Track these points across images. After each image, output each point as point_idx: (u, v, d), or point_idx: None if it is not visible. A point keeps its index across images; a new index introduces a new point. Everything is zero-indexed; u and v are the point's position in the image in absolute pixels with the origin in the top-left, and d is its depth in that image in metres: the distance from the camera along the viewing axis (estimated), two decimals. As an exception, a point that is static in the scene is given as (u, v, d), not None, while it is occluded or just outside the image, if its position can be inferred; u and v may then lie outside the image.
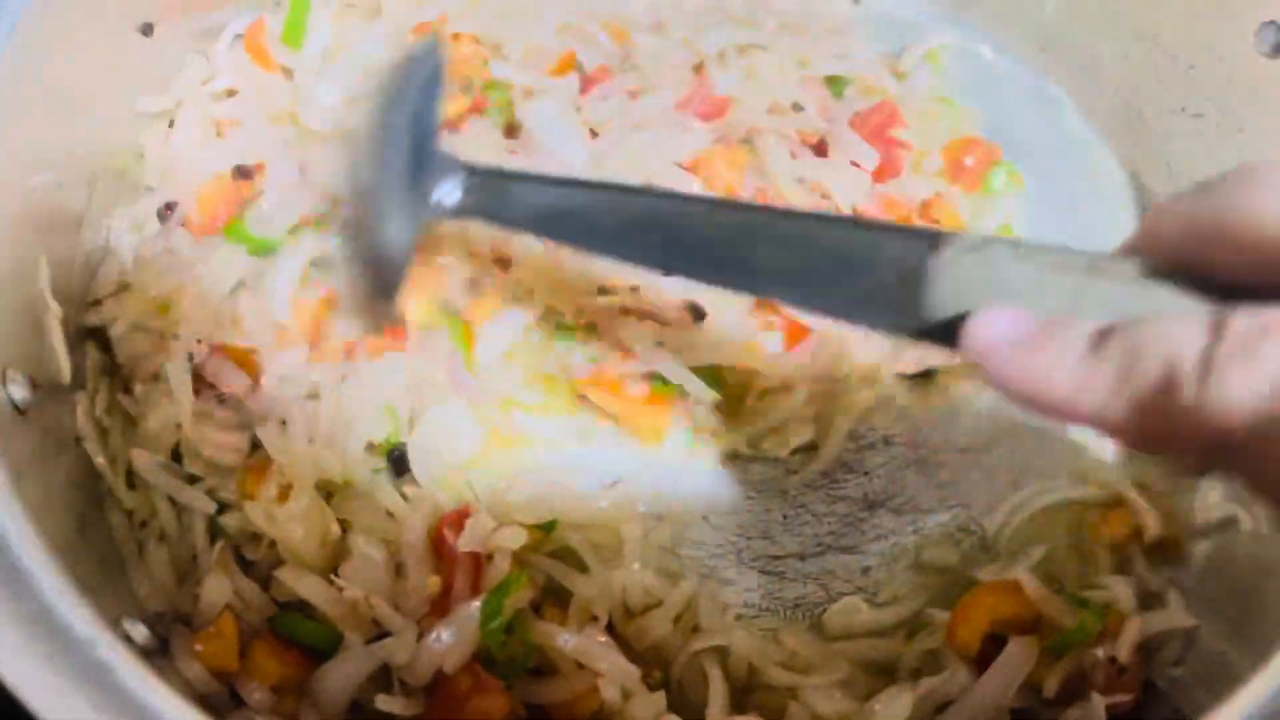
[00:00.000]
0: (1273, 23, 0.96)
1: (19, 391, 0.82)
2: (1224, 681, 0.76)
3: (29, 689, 0.63)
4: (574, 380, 0.99)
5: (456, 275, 1.01)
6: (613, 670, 0.87)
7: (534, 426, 0.99)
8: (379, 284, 0.77)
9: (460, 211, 0.78)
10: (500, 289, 1.00)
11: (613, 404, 0.99)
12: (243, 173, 1.04)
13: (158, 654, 0.82)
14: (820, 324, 0.98)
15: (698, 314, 0.98)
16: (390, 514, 0.93)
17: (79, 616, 0.67)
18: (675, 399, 0.99)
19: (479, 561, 0.89)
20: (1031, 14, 1.20)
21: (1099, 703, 0.85)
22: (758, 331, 0.99)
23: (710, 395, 0.97)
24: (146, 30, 1.01)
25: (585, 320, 0.99)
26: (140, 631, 0.78)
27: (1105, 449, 1.00)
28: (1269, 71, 0.97)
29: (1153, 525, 0.95)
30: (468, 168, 0.78)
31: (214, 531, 0.93)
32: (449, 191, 0.77)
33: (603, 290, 0.99)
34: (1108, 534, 0.97)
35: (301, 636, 0.88)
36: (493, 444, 0.99)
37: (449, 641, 0.85)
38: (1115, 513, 0.97)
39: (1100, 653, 0.88)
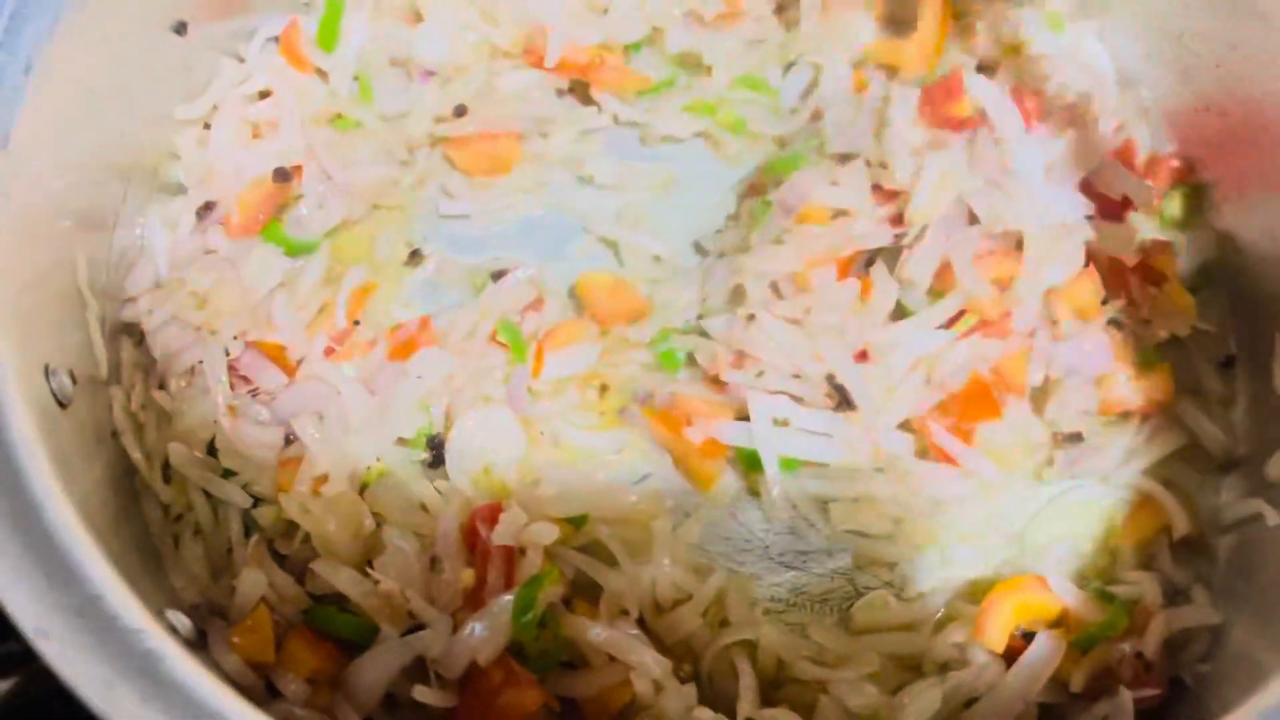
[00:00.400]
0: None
1: (60, 385, 0.83)
2: (1251, 678, 0.77)
3: (78, 679, 0.65)
4: (647, 408, 1.01)
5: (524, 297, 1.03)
6: (644, 663, 0.87)
7: (578, 439, 1.01)
8: None
9: None
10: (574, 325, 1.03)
11: (670, 440, 1.00)
12: (282, 175, 1.05)
13: (197, 645, 0.83)
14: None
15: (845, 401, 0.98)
16: (424, 507, 0.94)
17: (127, 607, 0.68)
18: (737, 460, 1.01)
19: (512, 555, 0.90)
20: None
21: (1127, 698, 0.86)
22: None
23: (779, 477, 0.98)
24: (180, 29, 1.02)
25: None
26: (183, 623, 0.79)
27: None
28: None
29: (1180, 522, 0.96)
30: None
31: (248, 525, 0.95)
32: None
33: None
34: (1135, 531, 0.97)
35: (337, 629, 0.89)
36: (534, 450, 1.00)
37: (482, 634, 0.86)
38: (1143, 510, 0.98)
39: (1127, 648, 0.89)
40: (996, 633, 0.90)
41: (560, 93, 1.16)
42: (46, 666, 0.65)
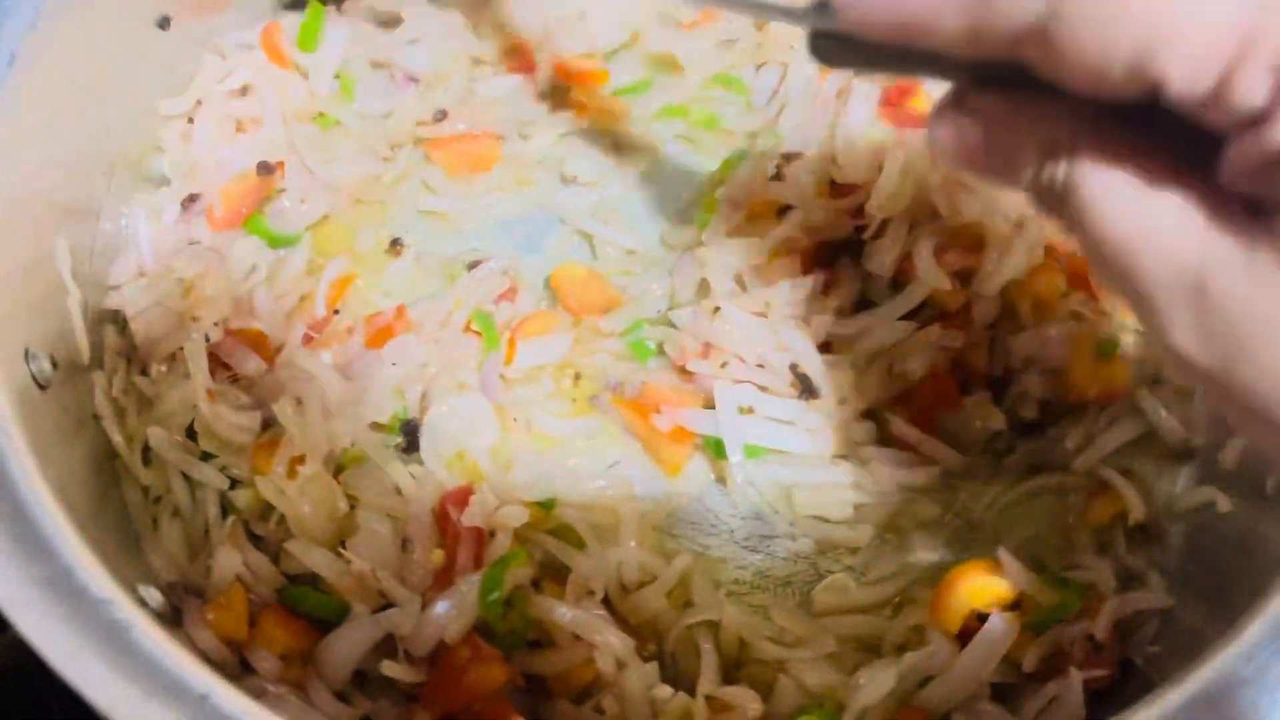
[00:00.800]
0: None
1: (40, 369, 0.86)
2: (1198, 656, 0.79)
3: (48, 648, 0.67)
4: (617, 396, 1.03)
5: (496, 287, 1.06)
6: (608, 643, 0.90)
7: (550, 425, 1.04)
8: None
9: None
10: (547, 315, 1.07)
11: (639, 427, 1.03)
12: (265, 169, 1.08)
13: (171, 622, 0.85)
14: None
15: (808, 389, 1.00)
16: (398, 491, 0.97)
17: (96, 579, 0.71)
18: (705, 447, 1.03)
19: (481, 537, 0.92)
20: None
21: (1077, 678, 0.88)
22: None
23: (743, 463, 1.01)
24: (164, 24, 1.04)
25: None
26: (155, 597, 0.82)
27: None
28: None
29: (1136, 509, 0.98)
30: None
31: (225, 507, 0.97)
32: None
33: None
34: (1091, 517, 0.99)
35: (310, 608, 0.92)
36: (506, 436, 1.03)
37: (450, 612, 0.88)
38: (1100, 497, 1.00)
39: (1078, 630, 0.91)
40: (952, 616, 0.92)
41: (541, 96, 1.19)
42: (19, 637, 0.68)
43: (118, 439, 0.96)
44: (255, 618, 0.91)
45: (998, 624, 0.90)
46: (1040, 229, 1.02)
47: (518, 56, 1.17)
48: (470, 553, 0.92)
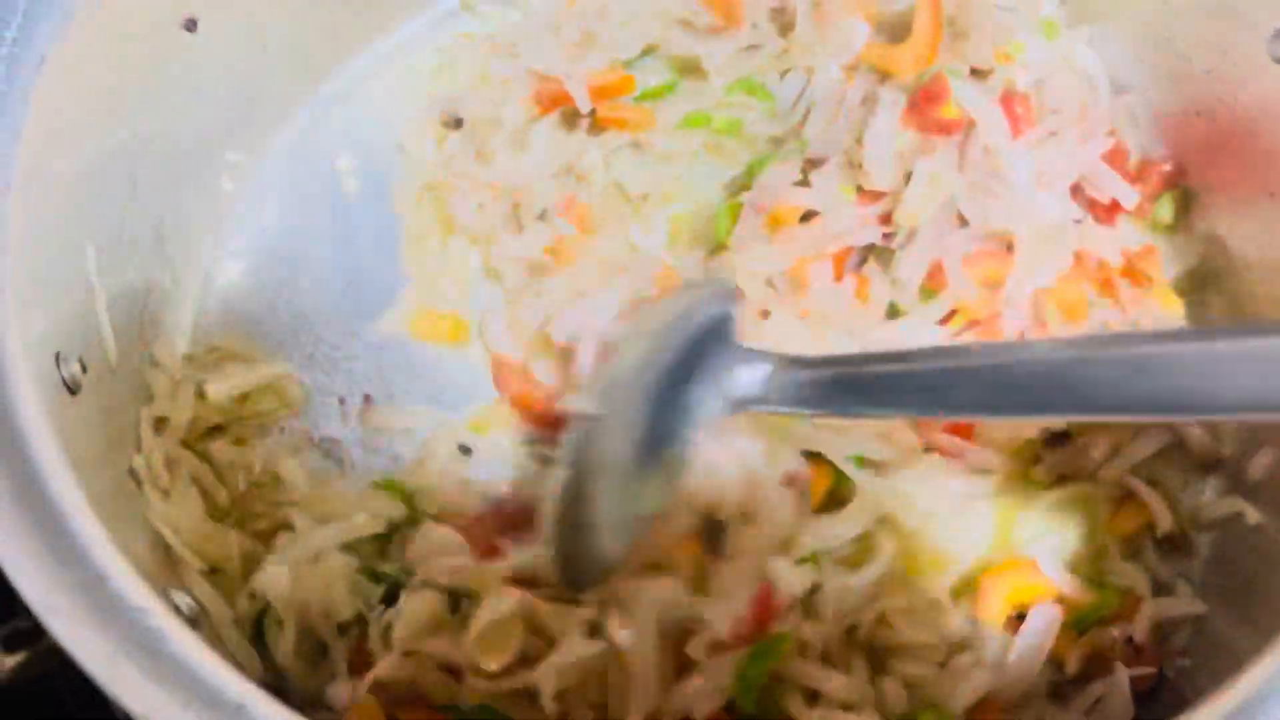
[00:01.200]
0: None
1: (71, 373, 0.85)
2: (1229, 669, 0.78)
3: (84, 655, 0.67)
4: None
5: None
6: None
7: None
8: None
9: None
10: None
11: None
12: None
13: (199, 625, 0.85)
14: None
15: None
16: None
17: (131, 586, 0.70)
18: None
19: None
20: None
21: (1123, 674, 0.89)
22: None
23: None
24: (190, 26, 1.04)
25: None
26: (186, 602, 0.82)
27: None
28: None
29: (1163, 520, 0.97)
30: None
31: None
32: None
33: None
34: (1120, 527, 0.99)
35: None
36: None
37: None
38: (1127, 507, 0.99)
39: (1117, 632, 0.92)
40: (994, 616, 0.92)
41: (573, 127, 1.18)
42: (54, 643, 0.67)
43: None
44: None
45: (1043, 612, 0.91)
46: (1068, 237, 1.02)
47: (547, 96, 1.16)
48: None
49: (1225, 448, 1.01)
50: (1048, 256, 1.00)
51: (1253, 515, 0.94)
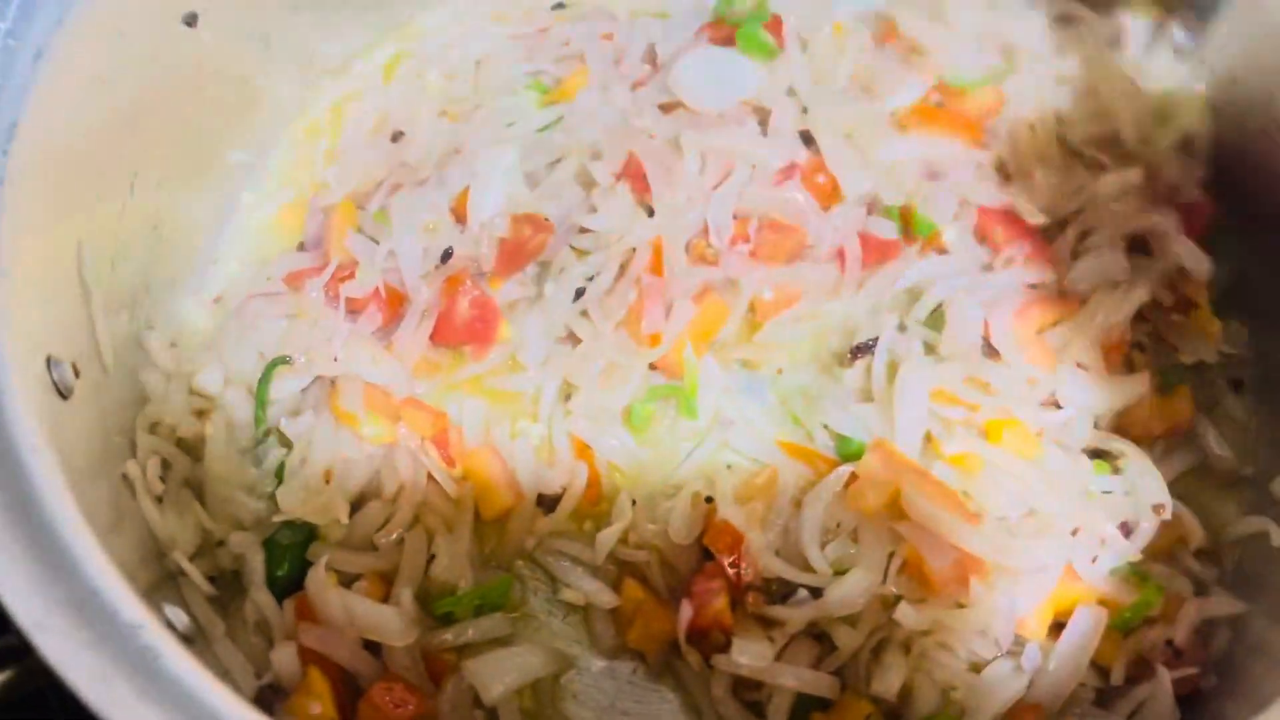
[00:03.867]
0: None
1: (62, 377, 0.82)
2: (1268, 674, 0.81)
3: (74, 673, 0.64)
4: None
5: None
6: None
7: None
8: None
9: None
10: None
11: None
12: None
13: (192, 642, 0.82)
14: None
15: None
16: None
17: (124, 601, 0.67)
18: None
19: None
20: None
21: (1165, 676, 0.88)
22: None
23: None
24: (190, 20, 1.01)
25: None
26: (180, 618, 0.79)
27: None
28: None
29: (1196, 535, 0.96)
30: None
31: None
32: None
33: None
34: (1156, 544, 0.96)
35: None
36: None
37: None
38: (1161, 523, 0.97)
39: (1159, 635, 0.90)
40: (1036, 624, 0.91)
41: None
42: (43, 660, 0.64)
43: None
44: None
45: (1086, 614, 0.90)
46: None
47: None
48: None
49: (1249, 466, 1.00)
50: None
51: (1277, 536, 0.93)
